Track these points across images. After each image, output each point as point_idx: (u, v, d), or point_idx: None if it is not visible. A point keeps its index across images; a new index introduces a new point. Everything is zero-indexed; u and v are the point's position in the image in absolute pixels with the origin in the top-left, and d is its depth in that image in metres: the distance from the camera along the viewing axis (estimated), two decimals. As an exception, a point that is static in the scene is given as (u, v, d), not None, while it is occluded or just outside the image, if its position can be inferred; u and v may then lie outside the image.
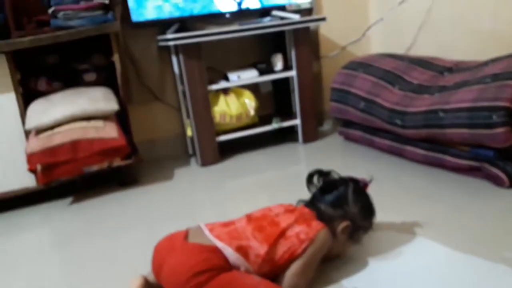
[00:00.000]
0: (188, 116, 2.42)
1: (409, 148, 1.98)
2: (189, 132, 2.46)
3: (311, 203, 1.28)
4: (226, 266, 1.09)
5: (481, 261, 1.21)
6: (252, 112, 2.42)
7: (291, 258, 1.15)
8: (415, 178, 1.84)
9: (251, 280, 1.07)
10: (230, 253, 1.11)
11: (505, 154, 1.63)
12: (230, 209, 1.77)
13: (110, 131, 2.01)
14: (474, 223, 1.41)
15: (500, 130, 1.55)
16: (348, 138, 2.45)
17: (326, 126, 2.86)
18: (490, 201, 1.55)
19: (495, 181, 1.65)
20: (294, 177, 2.05)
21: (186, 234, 1.17)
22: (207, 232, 1.16)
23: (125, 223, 1.77)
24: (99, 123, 2.03)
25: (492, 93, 1.61)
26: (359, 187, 1.29)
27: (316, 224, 1.20)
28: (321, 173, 1.33)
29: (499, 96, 1.58)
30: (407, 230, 1.41)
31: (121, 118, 2.17)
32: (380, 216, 1.30)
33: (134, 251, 1.51)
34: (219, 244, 1.12)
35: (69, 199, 2.11)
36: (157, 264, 1.15)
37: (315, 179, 1.33)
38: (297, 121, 2.53)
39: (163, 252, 1.15)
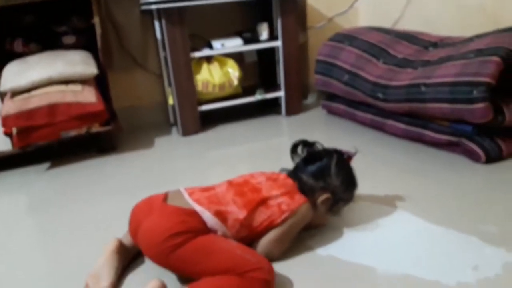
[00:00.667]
0: (169, 84, 2.37)
1: (390, 122, 1.98)
2: (170, 101, 2.42)
3: (293, 173, 1.28)
4: (204, 229, 1.09)
5: (455, 233, 1.22)
6: (235, 82, 2.38)
7: (270, 227, 1.16)
8: (395, 152, 1.85)
9: (227, 244, 1.07)
10: (208, 217, 1.11)
11: (483, 130, 1.64)
12: (211, 178, 1.75)
13: (88, 95, 1.97)
14: (450, 197, 1.43)
15: (479, 105, 1.56)
16: (331, 111, 2.44)
17: (310, 99, 2.85)
18: (467, 176, 1.57)
19: (472, 156, 1.66)
20: (276, 149, 2.04)
21: (165, 197, 1.17)
22: (186, 196, 1.16)
23: (102, 189, 1.75)
24: (77, 87, 1.98)
25: (474, 68, 1.60)
26: (343, 160, 1.29)
27: (299, 198, 1.20)
28: (305, 144, 1.33)
29: (481, 71, 1.57)
30: (385, 202, 1.42)
31: (101, 83, 2.13)
32: (360, 188, 1.31)
33: (111, 217, 1.50)
34: (198, 208, 1.12)
35: (46, 164, 2.08)
36: (135, 225, 1.14)
37: (299, 149, 1.32)
38: (281, 93, 2.50)
39: (141, 214, 1.14)
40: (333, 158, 1.26)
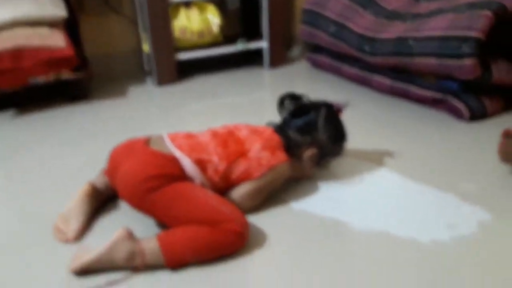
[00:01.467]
0: (145, 30, 2.24)
1: (376, 77, 1.91)
2: (145, 48, 2.30)
3: (280, 128, 1.24)
4: (182, 176, 1.07)
5: (434, 191, 1.20)
6: (215, 29, 2.26)
7: (246, 180, 1.14)
8: (379, 108, 1.79)
9: (203, 193, 1.05)
10: (187, 164, 1.09)
11: (469, 87, 1.59)
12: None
13: (56, 39, 1.85)
14: (432, 155, 1.40)
15: (468, 61, 1.49)
16: (316, 64, 2.35)
17: (295, 51, 2.74)
18: (450, 134, 1.53)
19: (456, 114, 1.62)
20: (258, 103, 1.97)
21: (147, 141, 1.14)
22: (167, 141, 1.14)
23: (72, 138, 1.68)
24: (44, 31, 1.86)
25: (465, 22, 1.52)
26: (331, 113, 1.25)
27: (281, 155, 1.18)
28: (292, 97, 1.29)
29: (472, 25, 1.50)
30: (365, 158, 1.39)
31: (71, 28, 2.01)
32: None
33: (79, 165, 1.45)
34: (178, 154, 1.10)
35: (13, 112, 1.97)
36: (113, 166, 1.13)
37: (286, 102, 1.28)
38: (264, 43, 2.39)
39: (121, 155, 1.12)
40: (320, 112, 1.22)
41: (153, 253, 0.95)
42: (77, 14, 2.05)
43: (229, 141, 1.17)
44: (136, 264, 0.95)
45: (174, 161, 1.08)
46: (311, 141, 1.21)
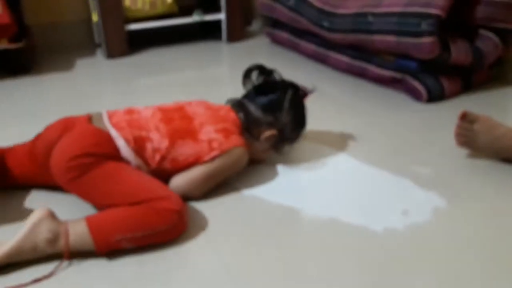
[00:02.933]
0: (93, -2, 2.09)
1: (334, 55, 1.86)
2: (94, 17, 2.14)
3: (240, 103, 1.16)
4: (116, 156, 0.99)
5: (388, 175, 1.17)
6: None
7: (196, 164, 1.05)
8: (335, 88, 1.74)
9: (136, 173, 0.97)
10: (122, 145, 1.00)
11: (428, 67, 1.56)
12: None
13: (-9, 5, 1.68)
14: (388, 137, 1.37)
15: (426, 39, 1.45)
16: (275, 40, 2.27)
17: (255, 25, 2.64)
18: (406, 115, 1.50)
19: (414, 94, 1.59)
20: (214, 79, 1.88)
21: (89, 118, 1.05)
22: (105, 118, 1.04)
23: (11, 114, 1.55)
24: (-24, -5, 1.68)
25: (425, -1, 1.48)
26: (298, 96, 1.18)
27: (235, 139, 1.08)
28: (262, 70, 1.19)
29: (431, 2, 1.46)
30: (319, 141, 1.34)
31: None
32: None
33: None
34: (113, 133, 1.00)
35: None
36: (49, 139, 1.01)
37: (254, 75, 1.18)
38: (221, 16, 2.28)
39: (59, 129, 1.02)
40: (288, 92, 1.15)
41: (81, 236, 0.86)
42: (16, -22, 1.88)
43: (174, 116, 1.07)
44: (60, 247, 0.85)
45: (110, 140, 1.00)
46: (272, 122, 1.13)
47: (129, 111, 1.08)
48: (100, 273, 0.86)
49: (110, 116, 1.05)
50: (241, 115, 1.14)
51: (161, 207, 0.90)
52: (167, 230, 0.90)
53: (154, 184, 0.96)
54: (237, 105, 1.17)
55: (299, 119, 1.18)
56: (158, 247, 0.91)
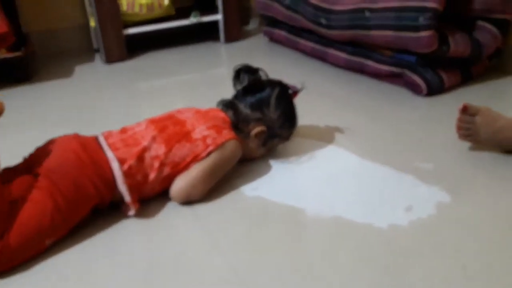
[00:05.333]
0: (90, 3, 2.09)
1: (332, 51, 1.85)
2: (92, 22, 2.14)
3: (229, 103, 1.19)
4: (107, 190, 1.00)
5: (390, 171, 1.16)
6: (166, 2, 2.13)
7: (194, 163, 1.07)
8: (335, 84, 1.74)
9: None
10: (115, 167, 1.00)
11: (427, 61, 1.56)
12: (137, 113, 1.58)
13: (-13, 15, 1.69)
14: (389, 133, 1.36)
15: (425, 33, 1.45)
16: (273, 39, 2.27)
17: (252, 25, 2.64)
18: (407, 110, 1.50)
19: (414, 88, 1.59)
20: (213, 80, 1.88)
21: (96, 140, 1.06)
22: (102, 140, 1.05)
23: (11, 122, 1.53)
24: (-27, 5, 1.69)
25: (422, -8, 1.47)
26: (286, 93, 1.21)
27: (227, 133, 1.11)
28: (249, 70, 1.22)
29: (429, -5, 1.45)
30: (321, 138, 1.34)
31: (6, 1, 1.84)
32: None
33: (16, 152, 1.32)
34: (109, 155, 1.01)
35: None
36: (46, 150, 1.01)
37: (242, 76, 1.22)
38: (219, 16, 2.28)
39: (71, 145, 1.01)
40: (275, 90, 1.18)
41: None
42: (12, -14, 1.89)
43: (167, 124, 1.10)
44: None
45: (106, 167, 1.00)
46: (260, 118, 1.16)
47: (123, 130, 1.10)
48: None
49: (106, 137, 1.06)
50: (230, 113, 1.17)
51: None
52: None
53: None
54: (226, 105, 1.19)
55: (287, 115, 1.21)
56: (161, 253, 0.91)
